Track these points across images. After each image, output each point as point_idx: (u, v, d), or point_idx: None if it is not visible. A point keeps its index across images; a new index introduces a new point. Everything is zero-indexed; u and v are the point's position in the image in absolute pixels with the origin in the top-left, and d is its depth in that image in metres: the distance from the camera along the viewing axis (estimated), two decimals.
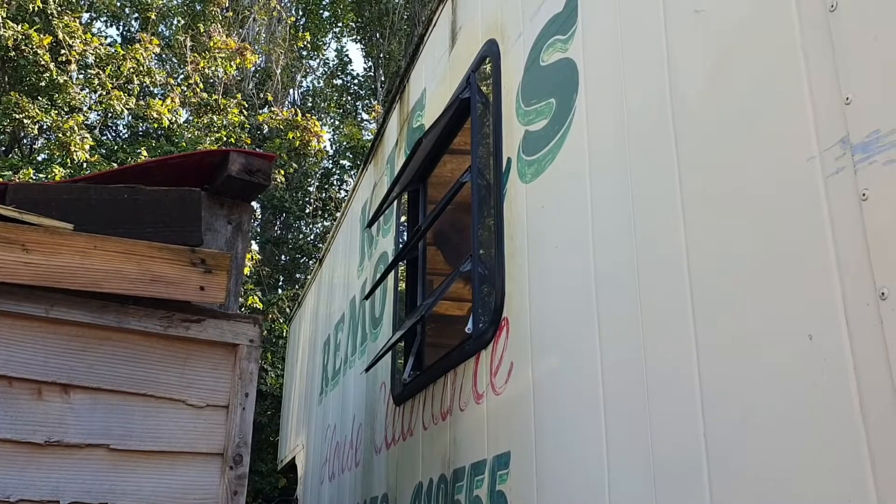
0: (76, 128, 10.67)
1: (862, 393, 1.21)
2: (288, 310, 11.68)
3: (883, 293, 1.19)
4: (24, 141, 13.41)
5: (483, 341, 2.74)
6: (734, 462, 1.47)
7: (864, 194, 1.25)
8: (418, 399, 3.45)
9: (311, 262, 14.60)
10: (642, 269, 1.85)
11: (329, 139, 17.10)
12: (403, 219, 4.22)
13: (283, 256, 15.54)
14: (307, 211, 15.10)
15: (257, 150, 13.99)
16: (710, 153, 1.66)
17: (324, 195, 15.38)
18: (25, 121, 10.64)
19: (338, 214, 6.29)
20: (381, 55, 18.80)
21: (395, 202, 4.25)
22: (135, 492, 1.95)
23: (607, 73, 2.14)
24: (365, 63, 20.99)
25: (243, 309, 11.07)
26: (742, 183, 1.55)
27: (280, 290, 14.16)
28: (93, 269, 1.90)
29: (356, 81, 19.30)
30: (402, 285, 4.05)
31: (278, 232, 16.03)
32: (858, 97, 1.28)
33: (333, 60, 19.30)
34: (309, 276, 8.97)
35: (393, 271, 4.09)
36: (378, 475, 4.08)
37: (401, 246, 4.07)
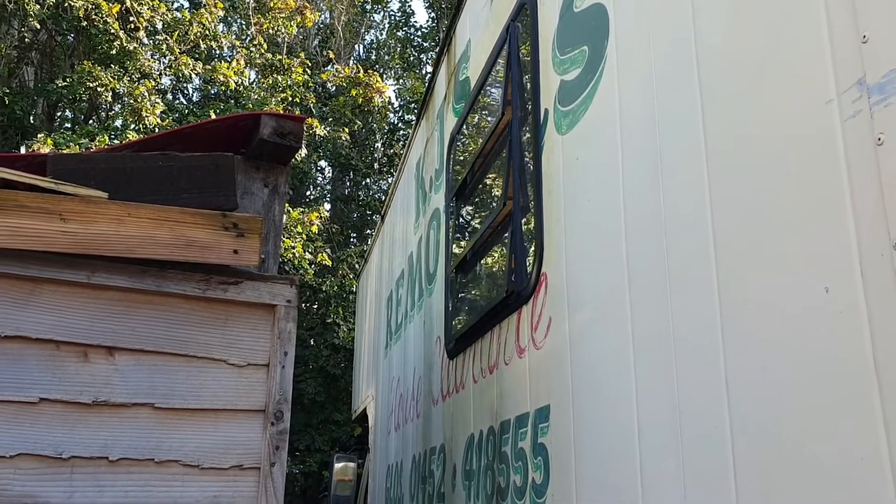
0: (147, 93, 10.96)
1: (876, 347, 1.16)
2: (357, 266, 11.87)
3: None
4: (102, 108, 13.87)
5: (524, 296, 2.73)
6: (755, 416, 1.44)
7: (879, 139, 1.18)
8: (469, 353, 3.48)
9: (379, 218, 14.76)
10: (669, 221, 1.80)
11: (394, 93, 17.10)
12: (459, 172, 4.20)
13: (353, 214, 15.75)
14: (375, 167, 15.21)
15: (323, 108, 14.14)
16: (732, 100, 1.59)
17: (390, 151, 15.43)
18: (99, 88, 10.99)
19: None
20: (444, 6, 18.55)
21: (448, 155, 4.24)
22: (180, 448, 2.04)
23: (635, 17, 2.06)
24: (428, 13, 20.75)
25: (313, 266, 11.32)
26: (763, 131, 1.48)
27: (352, 247, 14.39)
28: (128, 236, 1.98)
29: (419, 33, 19.15)
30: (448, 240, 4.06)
31: (348, 189, 16.22)
32: (875, 34, 1.20)
33: (396, 13, 19.18)
34: None
35: (444, 227, 4.10)
36: (436, 426, 4.16)
37: (451, 201, 4.06)
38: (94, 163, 2.09)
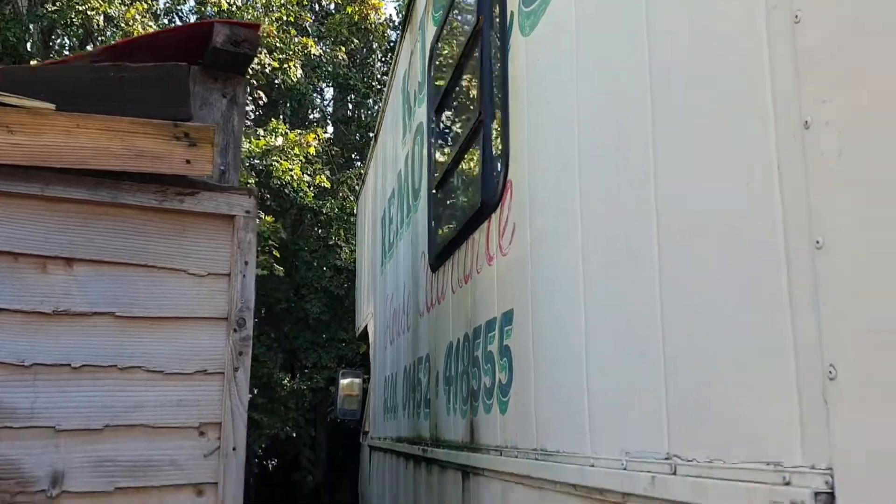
0: (138, 16, 10.77)
1: (787, 231, 1.16)
2: (357, 187, 11.85)
3: (807, 122, 1.11)
4: (95, 33, 13.63)
5: (492, 205, 2.73)
6: (685, 316, 1.45)
7: (797, 16, 1.15)
8: (448, 265, 3.51)
9: None
10: (617, 125, 1.78)
11: (394, 9, 16.69)
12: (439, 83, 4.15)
13: (354, 135, 15.58)
14: (374, 87, 14.97)
15: (320, 27, 13.83)
16: None
17: (390, 71, 15.16)
18: (90, 12, 10.80)
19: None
20: None
21: (428, 66, 4.17)
22: (143, 354, 2.09)
23: None
24: None
25: (311, 188, 11.30)
26: (697, 22, 1.45)
27: (353, 169, 14.31)
28: (78, 148, 1.97)
29: None
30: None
31: (349, 111, 16.00)
32: None
33: None
34: None
35: (426, 142, 4.08)
36: (422, 337, 4.23)
37: (432, 114, 4.02)
38: (43, 74, 2.07)
